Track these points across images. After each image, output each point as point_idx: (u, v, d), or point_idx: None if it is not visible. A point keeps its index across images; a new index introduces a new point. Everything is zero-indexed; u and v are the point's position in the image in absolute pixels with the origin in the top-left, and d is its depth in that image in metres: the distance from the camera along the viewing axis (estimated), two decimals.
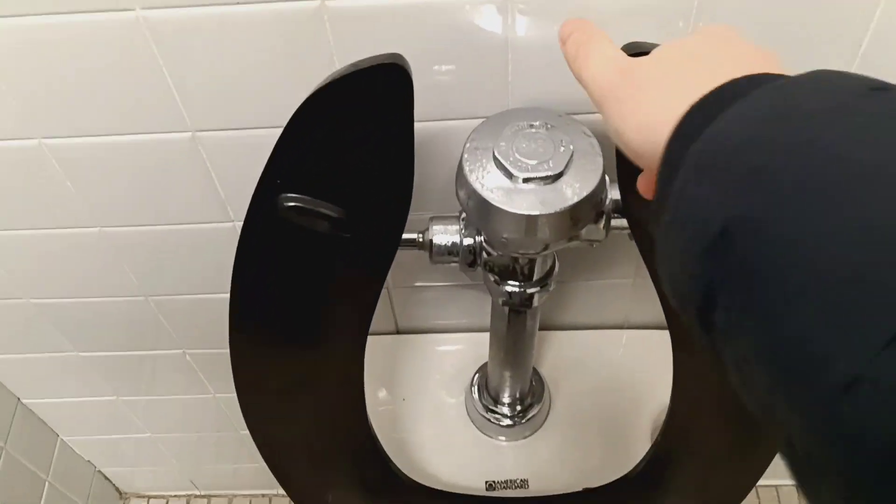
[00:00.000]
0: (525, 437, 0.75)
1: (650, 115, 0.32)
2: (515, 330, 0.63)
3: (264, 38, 0.51)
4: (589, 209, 0.49)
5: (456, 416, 0.76)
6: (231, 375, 0.84)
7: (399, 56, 0.44)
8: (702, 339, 0.26)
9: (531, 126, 0.50)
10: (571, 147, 0.49)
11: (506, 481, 0.72)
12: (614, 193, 0.52)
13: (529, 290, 0.58)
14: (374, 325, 0.81)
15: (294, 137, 0.46)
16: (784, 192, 0.22)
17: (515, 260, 0.56)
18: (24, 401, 0.96)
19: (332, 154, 0.48)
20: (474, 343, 0.79)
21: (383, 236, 0.52)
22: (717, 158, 0.25)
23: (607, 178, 0.50)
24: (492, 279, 0.57)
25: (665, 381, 0.76)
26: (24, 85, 0.54)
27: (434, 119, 0.56)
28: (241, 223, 0.66)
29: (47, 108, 0.56)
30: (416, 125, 0.55)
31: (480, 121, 0.52)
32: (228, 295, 0.74)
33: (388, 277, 0.74)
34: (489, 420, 0.74)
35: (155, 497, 1.23)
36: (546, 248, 0.51)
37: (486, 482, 0.72)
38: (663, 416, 0.76)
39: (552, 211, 0.47)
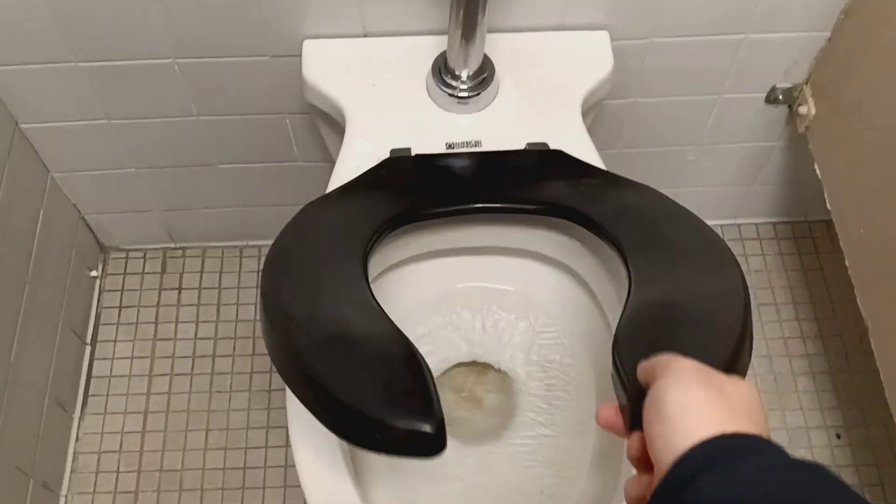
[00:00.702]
0: (478, 111, 0.88)
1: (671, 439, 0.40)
2: None
3: None
4: None
5: (419, 96, 0.89)
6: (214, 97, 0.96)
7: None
8: None
9: None
10: None
11: (462, 142, 0.86)
12: None
13: None
14: (343, 29, 0.93)
15: None
16: None
17: None
18: (21, 125, 1.05)
19: None
20: (435, 42, 0.92)
21: None
22: None
23: None
24: None
25: (594, 67, 0.92)
26: None
27: None
28: None
29: None
30: None
31: None
32: None
33: None
34: (447, 94, 0.87)
35: (133, 250, 1.34)
36: None
37: (446, 143, 0.86)
38: (595, 96, 0.91)
39: None
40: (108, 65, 0.97)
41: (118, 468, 1.17)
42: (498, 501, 0.84)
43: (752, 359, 1.22)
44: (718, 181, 1.27)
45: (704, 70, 1.03)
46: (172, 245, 1.35)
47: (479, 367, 0.90)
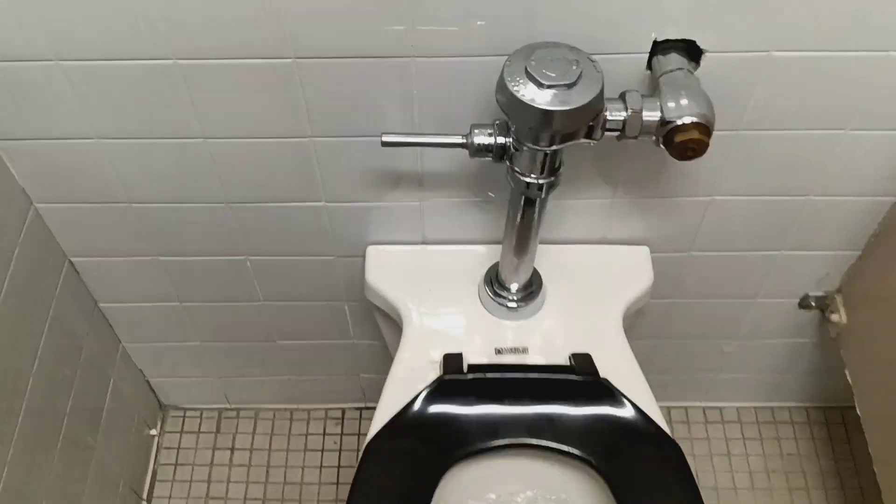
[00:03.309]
0: (525, 319, 0.96)
1: None
2: (527, 218, 0.84)
3: None
4: (591, 111, 0.70)
5: (471, 303, 0.97)
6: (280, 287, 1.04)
7: None
8: None
9: (553, 52, 0.71)
10: (581, 68, 0.70)
11: (510, 348, 0.93)
12: (610, 108, 0.73)
13: (541, 181, 0.78)
14: (404, 237, 1.02)
15: None
16: None
17: (534, 155, 0.77)
18: (100, 305, 1.15)
19: None
20: (488, 251, 1.00)
21: None
22: None
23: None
24: (515, 171, 0.78)
25: (634, 280, 0.98)
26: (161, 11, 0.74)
27: (471, 55, 0.77)
28: (321, 139, 0.86)
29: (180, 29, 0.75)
30: (455, 59, 0.77)
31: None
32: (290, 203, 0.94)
33: (421, 192, 0.94)
34: (498, 303, 0.95)
35: (191, 409, 1.41)
36: (556, 139, 0.72)
37: (495, 348, 0.93)
38: (635, 305, 0.98)
39: (566, 108, 0.68)
40: (185, 259, 1.06)
41: None
42: None
43: None
44: (752, 370, 1.32)
45: (740, 279, 1.10)
46: (228, 405, 1.42)
47: None
